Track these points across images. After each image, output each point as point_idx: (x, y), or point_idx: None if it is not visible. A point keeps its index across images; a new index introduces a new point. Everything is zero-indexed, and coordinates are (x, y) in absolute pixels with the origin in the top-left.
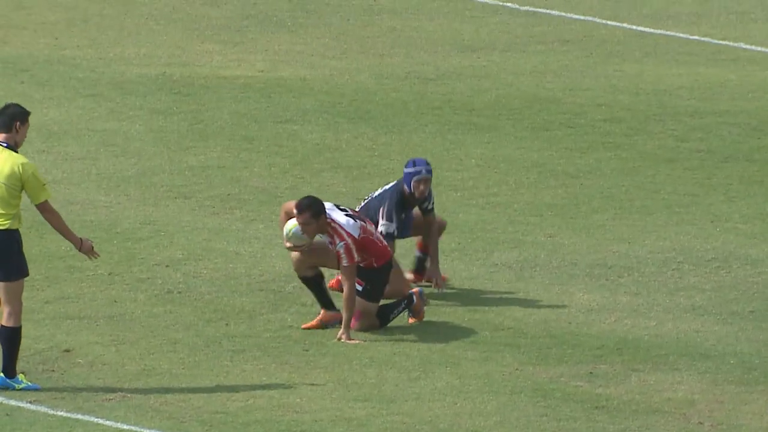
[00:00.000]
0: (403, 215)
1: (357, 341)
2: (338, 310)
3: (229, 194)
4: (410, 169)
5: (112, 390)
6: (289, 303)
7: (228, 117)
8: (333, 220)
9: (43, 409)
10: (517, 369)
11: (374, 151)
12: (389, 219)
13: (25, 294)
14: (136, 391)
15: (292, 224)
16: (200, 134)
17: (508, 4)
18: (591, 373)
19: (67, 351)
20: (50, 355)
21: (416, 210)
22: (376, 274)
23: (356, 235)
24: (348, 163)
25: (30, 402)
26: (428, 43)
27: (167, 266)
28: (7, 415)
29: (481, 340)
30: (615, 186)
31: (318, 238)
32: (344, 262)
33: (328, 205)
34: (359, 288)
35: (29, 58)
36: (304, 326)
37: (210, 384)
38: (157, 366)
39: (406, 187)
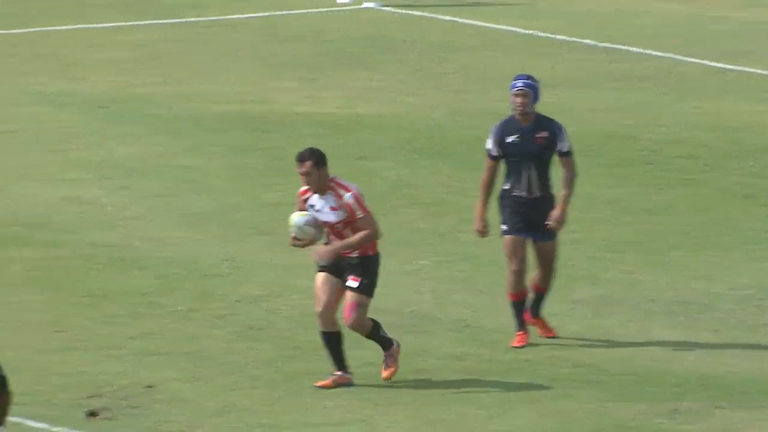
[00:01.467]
0: (510, 139)
1: (322, 257)
2: (352, 373)
3: None
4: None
5: (193, 426)
6: (368, 339)
7: None
8: (334, 177)
9: None
10: (598, 406)
11: (451, 188)
12: (489, 137)
13: (108, 330)
14: (217, 427)
15: (297, 215)
16: (279, 170)
17: (586, 41)
18: (674, 410)
19: (149, 387)
20: (133, 391)
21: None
22: (372, 265)
23: (360, 193)
24: (425, 200)
25: None
26: (503, 80)
27: (247, 303)
28: None
29: (561, 376)
30: (692, 222)
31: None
32: (359, 213)
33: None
34: (355, 284)
35: (105, 95)
36: (317, 384)
37: (291, 421)
38: (238, 402)
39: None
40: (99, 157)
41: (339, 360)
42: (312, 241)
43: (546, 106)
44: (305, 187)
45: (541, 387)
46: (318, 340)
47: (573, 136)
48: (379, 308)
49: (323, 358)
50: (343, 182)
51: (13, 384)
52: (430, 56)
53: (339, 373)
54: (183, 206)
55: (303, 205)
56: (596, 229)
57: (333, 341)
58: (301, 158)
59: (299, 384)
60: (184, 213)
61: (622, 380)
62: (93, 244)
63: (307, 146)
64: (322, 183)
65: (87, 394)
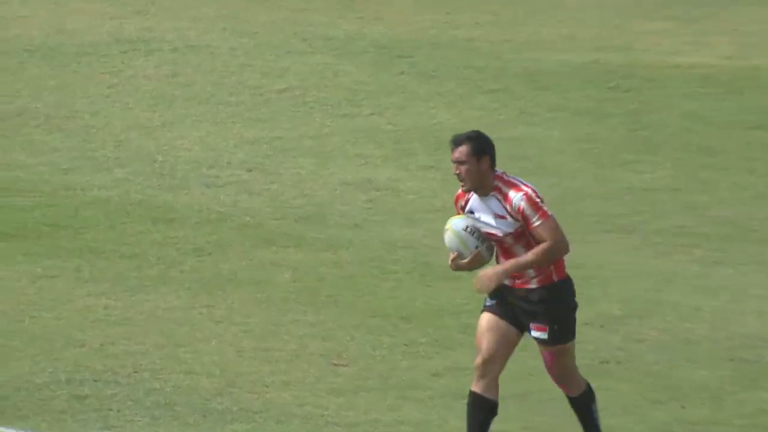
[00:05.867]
0: None
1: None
2: None
3: (682, 227)
4: None
5: None
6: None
7: (680, 121)
8: (502, 173)
9: None
10: None
11: None
12: None
13: (407, 363)
14: None
15: (455, 217)
16: (643, 144)
17: None
18: None
19: None
20: None
21: None
22: (560, 299)
23: (537, 193)
24: None
25: None
26: None
27: (600, 327)
28: None
29: None
30: None
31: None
32: (535, 221)
33: None
34: (542, 335)
35: (410, 42)
36: None
37: None
38: None
39: None
40: (397, 126)
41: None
42: (477, 260)
43: None
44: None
45: None
46: (698, 379)
47: None
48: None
49: (705, 403)
50: (513, 179)
51: None
52: None
53: None
54: None
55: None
56: None
57: (481, 411)
58: (456, 141)
59: None
60: None
61: None
62: (387, 245)
63: (673, 111)
64: (481, 179)
65: None
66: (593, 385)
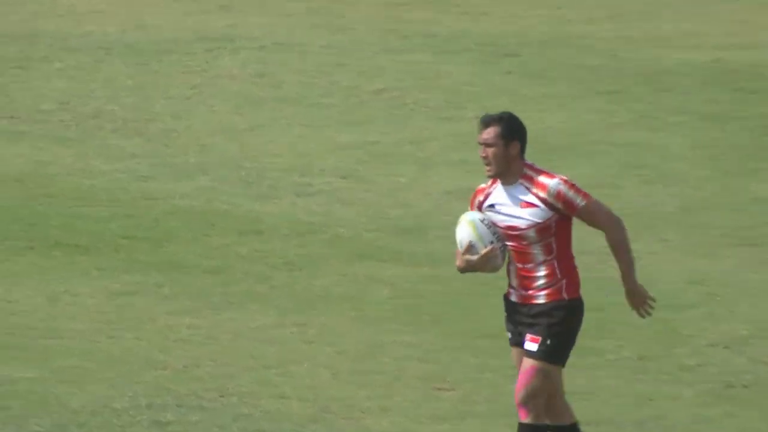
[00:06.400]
0: None
1: (650, 297)
2: None
3: None
4: None
5: None
6: None
7: None
8: (532, 164)
9: None
10: None
11: None
12: None
13: (500, 390)
14: None
15: (471, 212)
16: None
17: None
18: None
19: None
20: None
21: None
22: (563, 318)
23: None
24: None
25: None
26: None
27: (725, 347)
28: None
29: None
30: None
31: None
32: (579, 202)
33: None
34: (532, 347)
35: (518, 39)
36: None
37: None
38: None
39: None
40: None
41: None
42: (489, 259)
43: None
44: (485, 184)
45: None
46: None
47: None
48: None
49: None
50: (544, 169)
51: None
52: None
53: None
54: (620, 200)
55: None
56: None
57: None
58: (486, 121)
59: None
60: (636, 212)
61: None
62: None
63: None
64: (508, 164)
65: None
66: (719, 410)
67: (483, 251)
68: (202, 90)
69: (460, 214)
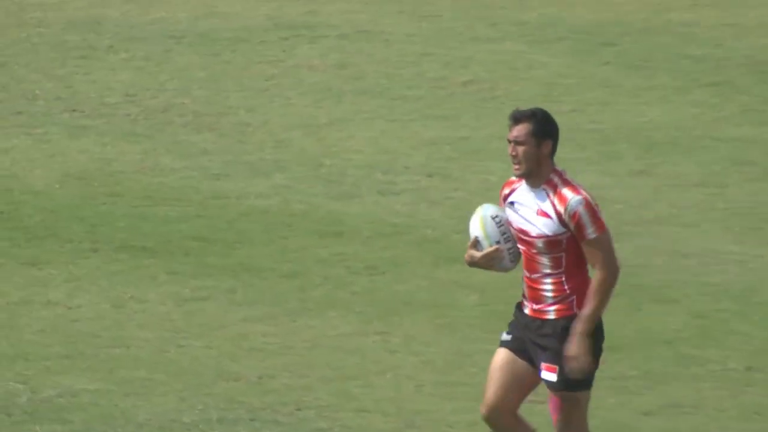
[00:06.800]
0: None
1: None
2: None
3: None
4: None
5: None
6: None
7: None
8: (562, 171)
9: None
10: None
11: None
12: None
13: (615, 399)
14: None
15: (487, 204)
16: None
17: None
18: None
19: None
20: None
21: None
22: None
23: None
24: None
25: None
26: None
27: None
28: None
29: None
30: None
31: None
32: (590, 232)
33: None
34: (551, 377)
35: (616, 27)
36: None
37: None
38: None
39: None
40: (601, 125)
41: None
42: (493, 258)
43: None
44: (515, 177)
45: None
46: None
47: None
48: None
49: None
50: (571, 180)
51: None
52: None
53: None
54: (734, 201)
55: (502, 203)
56: None
57: None
58: (517, 117)
59: None
60: (735, 210)
61: None
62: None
63: None
64: (538, 164)
65: None
66: None
67: (486, 250)
68: (279, 81)
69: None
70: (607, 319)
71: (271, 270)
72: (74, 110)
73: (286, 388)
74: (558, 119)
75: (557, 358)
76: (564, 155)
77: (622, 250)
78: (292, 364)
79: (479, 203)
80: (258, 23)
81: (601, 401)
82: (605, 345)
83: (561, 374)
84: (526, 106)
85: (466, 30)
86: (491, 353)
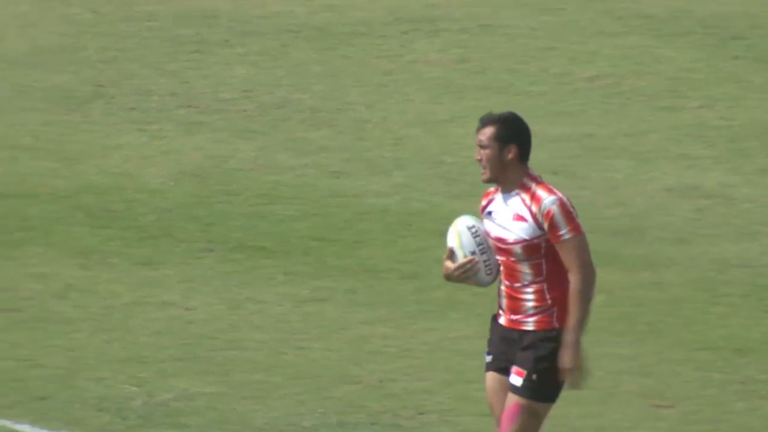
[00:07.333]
0: None
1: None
2: None
3: None
4: None
5: None
6: None
7: None
8: (535, 175)
9: None
10: None
11: None
12: None
13: (744, 404)
14: None
15: (465, 216)
16: None
17: None
18: None
19: None
20: None
21: None
22: (555, 349)
23: (569, 201)
24: None
25: None
26: None
27: None
28: None
29: None
30: None
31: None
32: (564, 233)
33: None
34: (517, 381)
35: (747, 20)
36: None
37: None
38: None
39: None
40: (730, 122)
41: None
42: (467, 270)
43: None
44: (493, 187)
45: None
46: None
47: None
48: None
49: None
50: (544, 183)
51: None
52: None
53: None
54: None
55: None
56: None
57: None
58: (483, 121)
59: None
60: None
61: None
62: (718, 264)
63: None
64: (503, 170)
65: None
66: None
67: (459, 261)
68: (398, 77)
69: (681, 214)
70: (736, 322)
71: (390, 271)
72: (189, 106)
73: (406, 392)
74: (684, 116)
75: (528, 365)
76: (691, 152)
77: (749, 250)
78: (413, 368)
79: (605, 203)
80: (377, 17)
81: (729, 406)
82: (733, 347)
83: (528, 380)
84: (652, 101)
85: (590, 24)
86: (617, 356)
